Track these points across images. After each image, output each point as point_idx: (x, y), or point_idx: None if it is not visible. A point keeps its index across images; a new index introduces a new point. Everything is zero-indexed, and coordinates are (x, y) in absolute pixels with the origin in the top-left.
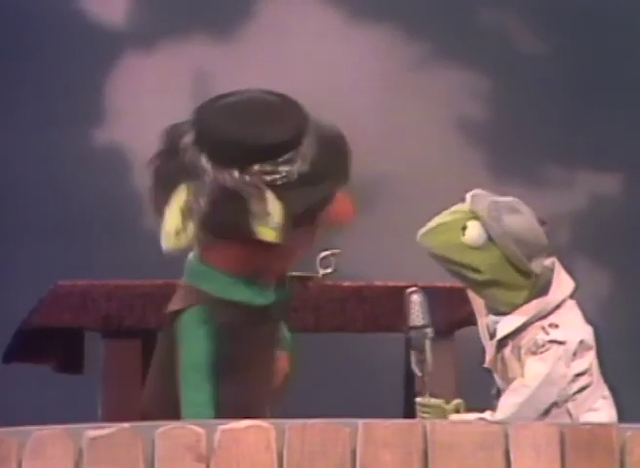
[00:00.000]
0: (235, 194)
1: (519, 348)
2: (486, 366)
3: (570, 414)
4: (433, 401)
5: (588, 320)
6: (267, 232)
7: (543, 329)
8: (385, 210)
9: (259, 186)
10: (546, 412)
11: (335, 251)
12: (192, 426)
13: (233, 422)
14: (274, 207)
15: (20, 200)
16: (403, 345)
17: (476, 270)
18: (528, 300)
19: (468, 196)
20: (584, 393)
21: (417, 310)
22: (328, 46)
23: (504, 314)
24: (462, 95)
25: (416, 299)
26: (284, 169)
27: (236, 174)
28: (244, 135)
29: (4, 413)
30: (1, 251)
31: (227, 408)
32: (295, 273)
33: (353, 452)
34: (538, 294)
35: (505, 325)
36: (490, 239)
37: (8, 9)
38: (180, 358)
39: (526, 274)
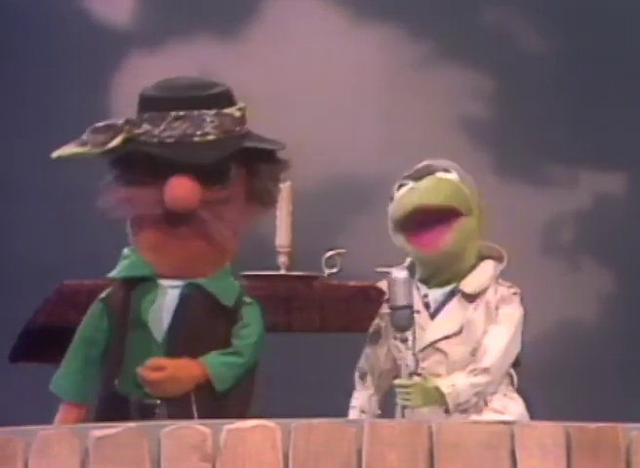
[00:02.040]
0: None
1: (487, 304)
2: (447, 334)
3: (512, 375)
4: (413, 380)
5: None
6: (62, 150)
7: (501, 285)
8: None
9: (122, 128)
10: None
11: (340, 250)
12: (198, 426)
13: (239, 422)
14: (110, 144)
15: (25, 199)
16: None
17: (474, 211)
18: (475, 265)
19: (405, 180)
20: None
21: (400, 290)
22: (332, 45)
23: (447, 284)
24: (466, 94)
25: (399, 279)
26: (145, 126)
27: (122, 122)
28: (148, 87)
29: (10, 413)
30: (7, 250)
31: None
32: (300, 273)
33: (359, 452)
34: (482, 259)
35: (473, 284)
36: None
37: (12, 8)
38: None
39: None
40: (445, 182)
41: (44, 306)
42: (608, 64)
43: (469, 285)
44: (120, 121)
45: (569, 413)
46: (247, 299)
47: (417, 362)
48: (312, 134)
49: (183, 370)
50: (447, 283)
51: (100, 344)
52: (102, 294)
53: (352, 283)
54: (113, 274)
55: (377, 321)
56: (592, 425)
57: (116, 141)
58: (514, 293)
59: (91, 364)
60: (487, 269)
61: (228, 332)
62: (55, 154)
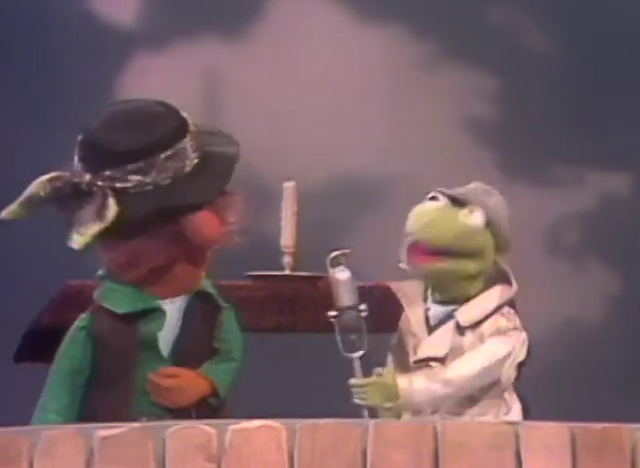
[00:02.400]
0: (85, 195)
1: (481, 335)
2: (433, 355)
3: (506, 402)
4: (368, 378)
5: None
6: (76, 238)
7: (503, 315)
8: (395, 209)
9: (104, 191)
10: (483, 391)
11: (345, 251)
12: (203, 426)
13: (244, 422)
14: (109, 212)
15: None
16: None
17: (481, 255)
18: (484, 289)
19: (437, 193)
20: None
21: (346, 289)
22: (337, 45)
23: (455, 304)
24: (471, 94)
25: (342, 278)
26: (134, 177)
27: (88, 176)
28: (100, 140)
29: (14, 413)
30: (11, 251)
31: (90, 414)
32: (304, 273)
33: (364, 452)
34: (492, 283)
35: (471, 312)
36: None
37: (17, 9)
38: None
39: (494, 261)
40: (455, 224)
41: (48, 306)
42: (613, 64)
43: (465, 315)
44: (80, 178)
45: (574, 414)
46: (223, 303)
47: (363, 363)
48: (317, 133)
49: (193, 381)
50: (451, 301)
51: (85, 373)
52: (82, 322)
53: (358, 283)
54: (116, 309)
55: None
56: (597, 425)
57: (113, 204)
58: (513, 328)
59: (77, 393)
60: (491, 299)
61: (212, 337)
62: (76, 245)
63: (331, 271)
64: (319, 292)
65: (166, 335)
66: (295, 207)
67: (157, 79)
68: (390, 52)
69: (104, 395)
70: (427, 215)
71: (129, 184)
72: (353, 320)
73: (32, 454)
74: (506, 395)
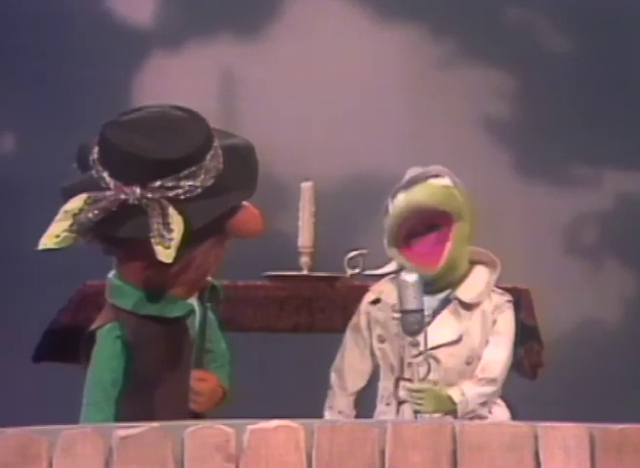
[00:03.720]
0: (137, 209)
1: (483, 313)
2: (447, 341)
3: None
4: (426, 385)
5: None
6: (162, 251)
7: (494, 291)
8: None
9: (160, 202)
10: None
11: (362, 251)
12: (222, 426)
13: (262, 422)
14: (175, 222)
15: (47, 199)
16: None
17: (465, 214)
18: (469, 270)
19: (409, 172)
20: None
21: (412, 293)
22: (353, 45)
23: (441, 291)
24: (488, 94)
25: (410, 282)
26: (186, 183)
27: (138, 190)
28: (144, 151)
29: (34, 412)
30: (29, 251)
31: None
32: (322, 273)
33: (382, 453)
34: (473, 264)
35: (470, 290)
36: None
37: (35, 9)
38: (88, 374)
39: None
40: (437, 188)
41: (67, 306)
42: (631, 63)
43: (466, 293)
44: (132, 195)
45: (592, 415)
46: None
47: (428, 366)
48: (334, 134)
49: (217, 386)
50: (440, 290)
51: (120, 383)
52: (114, 331)
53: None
54: (165, 314)
55: (355, 319)
56: (616, 426)
57: (175, 217)
58: (508, 301)
59: (116, 403)
60: (481, 276)
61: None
62: (167, 260)
63: (401, 274)
64: (337, 293)
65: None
66: (312, 207)
67: (174, 79)
68: (408, 51)
69: (155, 398)
70: (409, 195)
71: (180, 190)
72: (417, 323)
73: (52, 454)
74: None
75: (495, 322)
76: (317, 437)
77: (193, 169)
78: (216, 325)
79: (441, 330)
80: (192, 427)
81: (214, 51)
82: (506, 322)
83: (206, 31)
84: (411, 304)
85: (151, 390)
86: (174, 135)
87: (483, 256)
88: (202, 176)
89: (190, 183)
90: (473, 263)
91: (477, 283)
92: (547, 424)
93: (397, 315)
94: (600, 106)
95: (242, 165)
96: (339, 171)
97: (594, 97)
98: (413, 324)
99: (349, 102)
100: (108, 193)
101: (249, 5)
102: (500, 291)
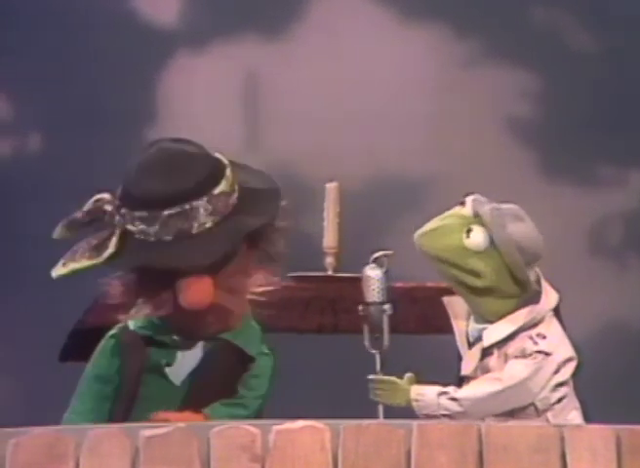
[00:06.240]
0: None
1: (506, 356)
2: (464, 374)
3: (550, 424)
4: (386, 377)
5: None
6: (59, 269)
7: (531, 338)
8: (436, 209)
9: (114, 228)
10: (510, 413)
11: (387, 251)
12: (247, 426)
13: (288, 422)
14: (106, 251)
15: (73, 199)
16: (455, 347)
17: (477, 275)
18: (515, 310)
19: (469, 200)
20: (562, 403)
21: (375, 286)
22: (378, 45)
23: (488, 322)
24: (513, 93)
25: (374, 275)
26: (140, 225)
27: (110, 208)
28: (131, 180)
29: (61, 412)
30: (57, 250)
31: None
32: (347, 274)
33: (408, 454)
34: (524, 304)
35: (494, 332)
36: (492, 245)
37: (60, 8)
38: None
39: (520, 283)
40: (452, 240)
41: (92, 307)
42: None
43: (489, 334)
44: (106, 206)
45: (619, 416)
46: (265, 349)
47: (382, 361)
48: (359, 134)
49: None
50: (484, 321)
51: (114, 381)
52: (114, 330)
53: (399, 284)
54: (130, 324)
55: None
56: None
57: (113, 245)
58: (537, 351)
59: (104, 401)
60: (516, 320)
61: (239, 378)
62: (54, 274)
63: (365, 269)
64: (361, 294)
65: (180, 367)
66: (337, 208)
67: (199, 79)
68: (432, 51)
69: (117, 406)
70: (436, 222)
71: (135, 228)
72: (377, 317)
73: (78, 453)
74: (549, 416)
75: (509, 362)
76: (343, 437)
77: (146, 214)
78: (259, 373)
79: (468, 360)
80: (218, 427)
81: (239, 51)
82: (511, 368)
83: (231, 31)
84: (374, 297)
85: (118, 395)
86: (156, 179)
87: (536, 298)
88: (156, 227)
89: (143, 227)
90: (527, 303)
91: (507, 327)
92: (574, 426)
93: (361, 307)
94: (625, 106)
95: (222, 239)
96: (364, 171)
97: (619, 97)
98: (372, 316)
99: (374, 102)
100: (105, 197)
101: (274, 5)
102: (542, 336)
